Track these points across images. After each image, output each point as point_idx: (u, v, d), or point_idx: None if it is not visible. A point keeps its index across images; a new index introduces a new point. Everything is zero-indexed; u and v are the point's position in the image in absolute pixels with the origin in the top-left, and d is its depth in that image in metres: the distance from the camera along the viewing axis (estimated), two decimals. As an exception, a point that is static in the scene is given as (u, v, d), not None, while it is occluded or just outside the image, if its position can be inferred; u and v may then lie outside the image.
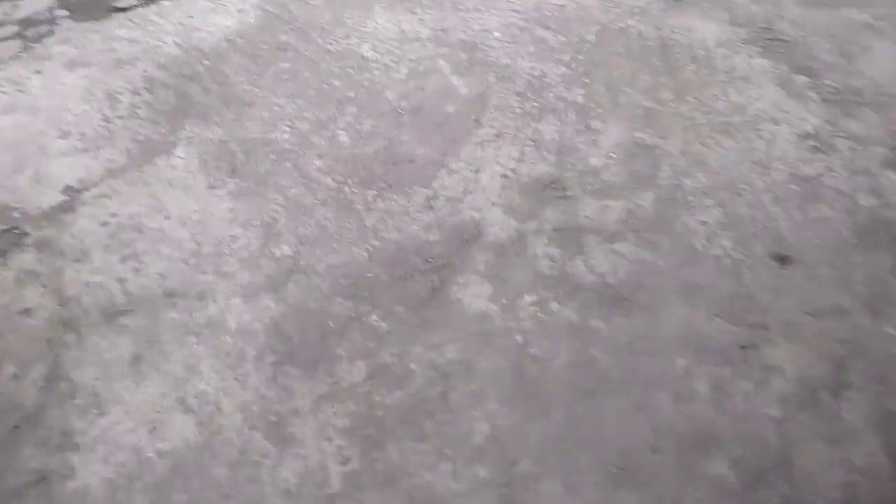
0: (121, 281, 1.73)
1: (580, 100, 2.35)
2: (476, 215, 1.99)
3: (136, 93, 2.18)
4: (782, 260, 1.97)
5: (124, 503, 1.40)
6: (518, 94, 2.34)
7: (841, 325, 1.84)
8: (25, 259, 1.77)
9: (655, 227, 2.02)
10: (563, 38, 2.53)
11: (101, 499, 1.40)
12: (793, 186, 2.14)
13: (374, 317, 1.75)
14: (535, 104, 2.32)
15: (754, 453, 1.61)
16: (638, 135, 2.26)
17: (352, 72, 2.35)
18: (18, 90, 2.19)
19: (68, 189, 1.90)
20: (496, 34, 2.52)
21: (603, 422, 1.64)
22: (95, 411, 1.51)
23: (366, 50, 2.47)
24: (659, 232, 2.01)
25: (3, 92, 2.18)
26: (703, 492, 1.55)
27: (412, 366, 1.68)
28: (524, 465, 1.56)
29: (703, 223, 2.03)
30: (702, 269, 1.93)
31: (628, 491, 1.54)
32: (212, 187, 1.95)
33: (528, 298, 1.84)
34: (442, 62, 2.41)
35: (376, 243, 1.89)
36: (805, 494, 1.57)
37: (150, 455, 1.48)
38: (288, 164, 2.03)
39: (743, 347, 1.79)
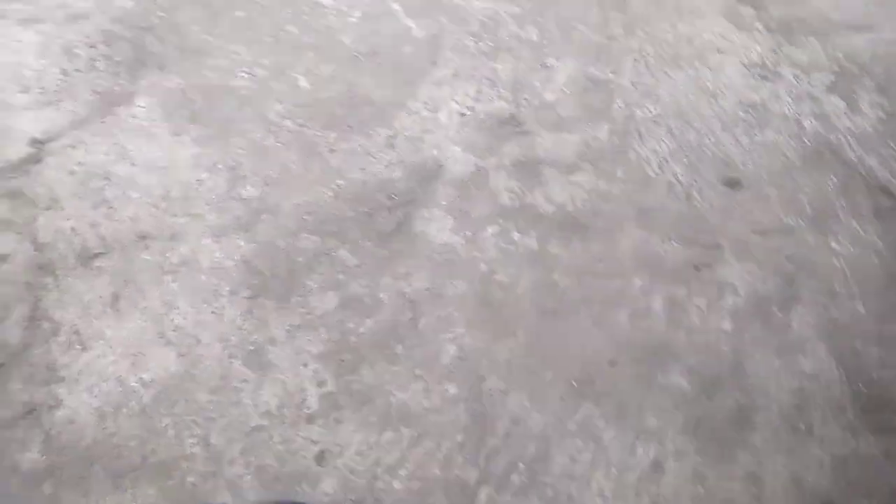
0: (93, 226, 1.76)
1: (534, 38, 2.40)
2: (436, 153, 2.04)
3: (92, 46, 2.17)
4: (731, 183, 2.07)
5: (112, 428, 1.47)
6: (472, 34, 2.38)
7: (788, 242, 1.95)
8: (-3, 209, 1.80)
9: (610, 157, 2.10)
10: (517, -21, 2.57)
11: (89, 425, 1.46)
12: (740, 113, 2.23)
13: (342, 251, 1.81)
14: (490, 44, 2.36)
15: (709, 364, 1.72)
16: (591, 69, 2.33)
17: (307, 18, 2.37)
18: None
19: (34, 141, 1.91)
20: (450, -24, 2.54)
21: (565, 339, 1.74)
22: (78, 347, 1.56)
23: (321, -4, 2.48)
24: (613, 162, 2.09)
25: (-44, 49, 2.16)
26: (662, 400, 1.66)
27: (381, 295, 1.75)
28: (492, 381, 1.65)
29: (655, 151, 2.11)
30: (655, 195, 2.02)
31: (591, 402, 1.65)
32: (175, 134, 1.97)
33: (490, 230, 1.91)
34: (395, 5, 2.43)
35: (341, 182, 1.94)
36: (759, 400, 1.68)
37: (134, 384, 1.54)
38: (248, 110, 2.06)
39: (696, 267, 1.89)
